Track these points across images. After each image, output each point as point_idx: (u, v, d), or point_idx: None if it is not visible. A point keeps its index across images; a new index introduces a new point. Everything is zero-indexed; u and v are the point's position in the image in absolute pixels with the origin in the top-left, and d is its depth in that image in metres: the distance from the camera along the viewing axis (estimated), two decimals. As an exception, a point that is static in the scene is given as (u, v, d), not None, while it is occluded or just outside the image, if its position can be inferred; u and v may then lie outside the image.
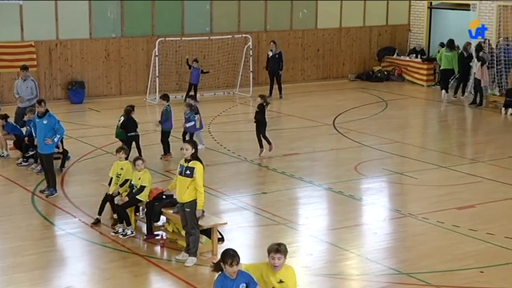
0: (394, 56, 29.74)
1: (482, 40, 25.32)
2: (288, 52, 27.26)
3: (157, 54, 24.57)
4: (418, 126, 22.95)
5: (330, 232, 13.20)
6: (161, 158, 17.60)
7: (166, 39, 25.03)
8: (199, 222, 11.71)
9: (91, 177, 16.09)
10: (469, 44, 25.82)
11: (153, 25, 25.59)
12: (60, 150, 16.21)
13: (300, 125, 21.49)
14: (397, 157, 18.20)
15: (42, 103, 14.99)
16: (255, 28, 27.25)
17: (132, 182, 12.90)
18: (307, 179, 16.15)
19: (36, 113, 15.19)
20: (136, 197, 12.70)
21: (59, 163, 16.40)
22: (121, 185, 13.08)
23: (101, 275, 11.34)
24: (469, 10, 26.42)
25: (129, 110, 17.36)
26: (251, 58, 26.15)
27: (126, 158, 13.50)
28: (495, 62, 25.25)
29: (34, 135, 15.47)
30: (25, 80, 18.69)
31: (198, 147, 17.14)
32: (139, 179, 12.74)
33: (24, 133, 17.50)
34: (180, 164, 11.59)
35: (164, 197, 12.74)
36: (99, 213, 13.25)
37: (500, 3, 26.13)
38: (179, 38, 25.47)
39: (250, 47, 26.08)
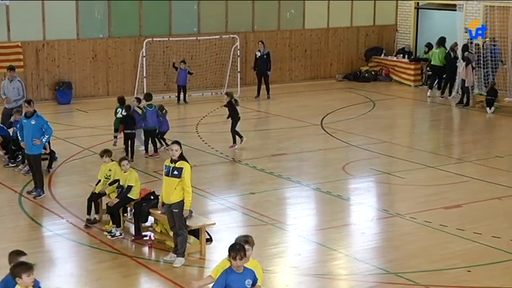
0: (382, 56, 29.82)
1: (470, 40, 25.47)
2: (275, 52, 27.28)
3: (144, 54, 24.53)
4: (406, 126, 23.02)
5: (318, 232, 13.23)
6: (146, 157, 17.68)
7: (154, 39, 25.00)
8: (187, 223, 11.71)
9: (79, 178, 16.05)
10: (456, 44, 25.94)
11: (140, 25, 25.56)
12: (48, 151, 16.17)
13: (288, 125, 21.51)
14: (385, 157, 18.26)
15: (31, 103, 14.94)
16: (242, 28, 27.26)
17: (120, 183, 12.89)
18: (295, 179, 16.17)
19: (24, 113, 15.12)
20: (128, 195, 12.69)
21: (46, 164, 16.34)
22: (110, 184, 13.10)
23: (88, 276, 11.31)
24: (456, 10, 26.51)
25: (129, 107, 17.49)
26: (239, 58, 26.15)
27: (112, 160, 13.45)
28: (482, 62, 25.37)
29: (19, 137, 15.33)
30: (12, 81, 18.59)
31: (140, 148, 17.77)
32: (126, 179, 12.74)
33: (11, 134, 17.42)
34: (166, 165, 11.56)
35: (152, 197, 12.75)
36: (89, 213, 13.22)
37: (486, 4, 26.25)
38: (167, 39, 25.45)
39: (238, 47, 26.08)
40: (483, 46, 25.78)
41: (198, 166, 16.47)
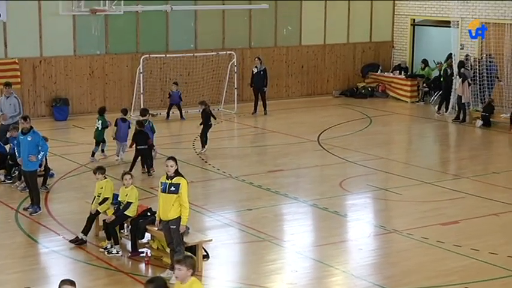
0: (378, 72, 29.89)
1: (466, 57, 25.58)
2: (272, 69, 27.34)
3: (141, 71, 24.56)
4: (402, 143, 23.05)
5: (315, 248, 13.20)
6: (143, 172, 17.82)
7: (151, 56, 25.04)
8: (184, 239, 11.67)
9: (75, 195, 16.03)
10: (452, 61, 26.01)
11: (137, 42, 25.60)
12: (42, 169, 16.09)
13: (285, 142, 21.51)
14: (382, 173, 18.26)
15: (27, 119, 14.94)
16: (239, 45, 27.32)
17: (119, 199, 12.85)
18: (292, 196, 16.16)
19: (20, 129, 15.11)
20: (125, 213, 12.65)
21: (41, 181, 16.26)
22: (100, 203, 13.05)
23: (85, 293, 11.26)
24: (451, 27, 26.62)
25: (141, 123, 17.63)
26: (235, 75, 26.19)
27: (105, 177, 13.39)
28: (478, 78, 25.45)
29: (17, 154, 15.32)
30: (8, 97, 18.58)
31: (119, 157, 18.04)
32: (127, 195, 12.70)
33: (7, 150, 17.39)
34: (162, 182, 11.53)
35: (149, 214, 12.72)
36: (84, 232, 13.11)
37: (482, 21, 26.36)
38: (163, 55, 25.49)
39: (235, 64, 26.13)
40: (479, 62, 25.87)
41: (194, 182, 16.45)
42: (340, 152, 20.08)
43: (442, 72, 26.61)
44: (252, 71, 25.79)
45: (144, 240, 12.81)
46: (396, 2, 30.40)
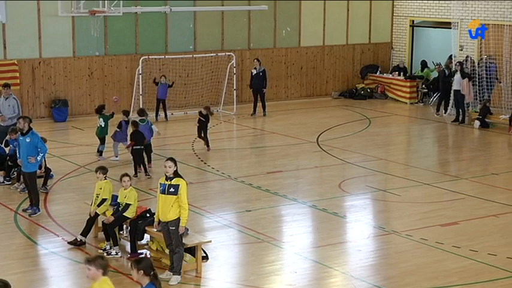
0: (377, 73, 29.90)
1: (465, 58, 25.58)
2: (271, 70, 27.35)
3: (140, 72, 24.56)
4: (402, 144, 23.05)
5: (314, 250, 13.20)
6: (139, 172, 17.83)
7: (150, 57, 25.05)
8: (183, 240, 11.67)
9: (74, 196, 16.02)
10: (450, 61, 26.02)
11: (136, 43, 25.61)
12: (42, 170, 16.11)
13: (284, 143, 21.52)
14: (381, 174, 18.26)
15: (27, 119, 14.93)
16: (238, 46, 27.33)
17: (118, 200, 12.85)
18: (291, 197, 16.16)
19: (19, 130, 15.09)
20: (124, 214, 12.64)
21: (41, 182, 16.28)
22: (98, 205, 13.04)
23: (84, 294, 11.26)
24: (451, 28, 26.64)
25: (136, 123, 17.68)
26: (235, 76, 26.20)
27: (105, 177, 13.38)
28: (477, 79, 25.46)
29: (18, 154, 15.36)
30: (7, 98, 18.57)
31: (116, 159, 18.12)
32: (125, 197, 12.69)
33: (7, 152, 17.39)
34: (161, 183, 11.52)
35: (148, 215, 12.71)
36: (83, 234, 13.10)
37: (481, 22, 26.37)
38: (163, 56, 25.50)
39: (234, 65, 26.13)
40: (478, 64, 25.89)
41: (194, 183, 16.45)
42: (339, 153, 20.09)
43: (440, 73, 26.63)
44: (251, 72, 25.79)
45: (144, 242, 12.80)
46: (395, 3, 30.42)
